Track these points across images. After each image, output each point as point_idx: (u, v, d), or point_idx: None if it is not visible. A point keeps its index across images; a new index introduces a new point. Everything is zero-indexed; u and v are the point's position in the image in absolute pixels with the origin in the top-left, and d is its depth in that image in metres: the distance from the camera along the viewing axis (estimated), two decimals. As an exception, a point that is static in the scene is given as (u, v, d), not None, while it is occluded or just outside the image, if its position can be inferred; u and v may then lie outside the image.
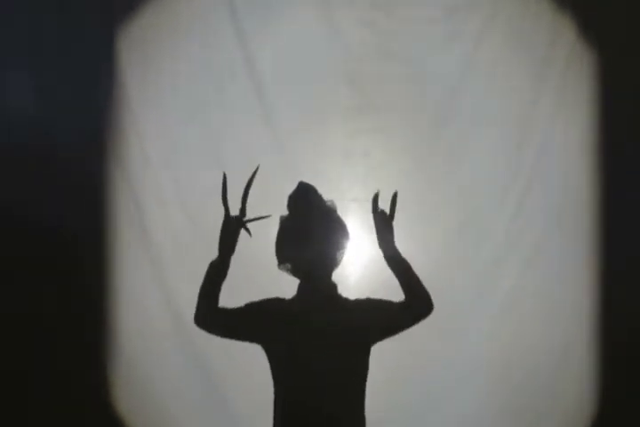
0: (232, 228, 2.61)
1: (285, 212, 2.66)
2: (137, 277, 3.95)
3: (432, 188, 3.89)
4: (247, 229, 2.62)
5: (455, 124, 3.91)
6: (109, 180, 3.96)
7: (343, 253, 2.64)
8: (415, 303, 2.58)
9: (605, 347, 3.94)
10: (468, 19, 3.91)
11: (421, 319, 2.60)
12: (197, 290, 2.63)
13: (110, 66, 3.95)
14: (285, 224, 2.64)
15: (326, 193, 2.70)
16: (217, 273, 2.60)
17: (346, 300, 2.64)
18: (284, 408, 2.58)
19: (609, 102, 3.94)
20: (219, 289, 2.60)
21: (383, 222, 2.61)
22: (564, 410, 3.94)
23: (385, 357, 2.69)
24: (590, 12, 3.91)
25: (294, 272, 2.63)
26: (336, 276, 2.67)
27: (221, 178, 2.61)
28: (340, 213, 2.68)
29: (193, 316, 2.61)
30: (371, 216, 2.63)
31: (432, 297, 2.59)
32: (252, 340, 2.63)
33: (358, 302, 2.63)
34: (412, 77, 3.90)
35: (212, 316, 2.59)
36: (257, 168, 2.64)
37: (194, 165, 3.93)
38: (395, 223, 2.62)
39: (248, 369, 3.63)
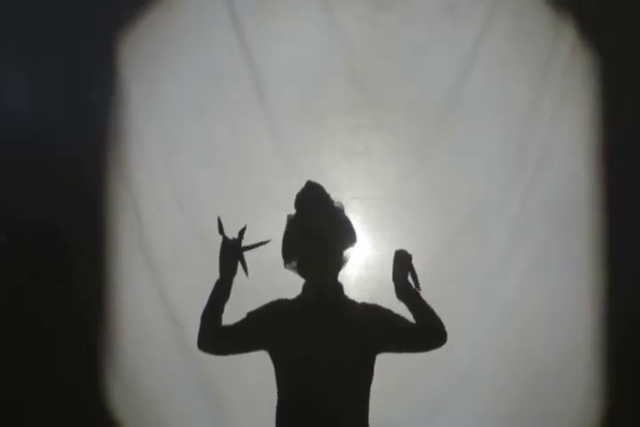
0: (230, 255, 2.60)
1: (288, 210, 2.66)
2: (135, 279, 3.93)
3: (433, 186, 3.87)
4: (244, 265, 2.62)
5: (456, 122, 3.90)
6: (108, 181, 3.94)
7: (349, 253, 2.65)
8: (428, 336, 2.59)
9: (611, 348, 3.92)
10: (469, 17, 3.90)
11: (431, 350, 2.61)
12: (196, 290, 2.63)
13: (110, 67, 3.94)
14: (293, 223, 2.64)
15: (327, 191, 2.69)
16: (219, 295, 2.59)
17: (352, 301, 2.65)
18: (287, 410, 2.58)
19: (611, 100, 3.93)
20: (221, 311, 2.59)
21: (403, 263, 2.62)
22: (569, 413, 3.92)
23: (386, 358, 2.67)
24: (592, 10, 3.90)
25: (300, 271, 2.64)
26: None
27: (216, 220, 2.61)
28: (340, 211, 2.68)
29: (197, 342, 2.60)
30: (371, 215, 2.62)
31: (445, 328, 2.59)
32: (259, 349, 2.63)
33: (365, 306, 2.64)
34: (413, 75, 3.90)
35: (215, 341, 2.59)
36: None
37: (194, 166, 3.92)
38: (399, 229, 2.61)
39: (247, 375, 3.66)
